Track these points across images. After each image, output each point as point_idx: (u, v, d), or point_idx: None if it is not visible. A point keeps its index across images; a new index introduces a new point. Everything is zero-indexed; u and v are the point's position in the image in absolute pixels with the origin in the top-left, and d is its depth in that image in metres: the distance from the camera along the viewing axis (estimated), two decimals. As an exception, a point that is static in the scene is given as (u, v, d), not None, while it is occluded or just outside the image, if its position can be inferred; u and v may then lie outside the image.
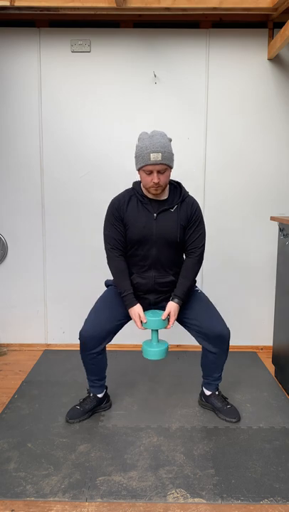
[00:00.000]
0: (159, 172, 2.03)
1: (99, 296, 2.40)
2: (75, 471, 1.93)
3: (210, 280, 3.28)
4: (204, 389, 2.46)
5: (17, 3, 2.81)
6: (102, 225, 3.23)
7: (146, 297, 2.28)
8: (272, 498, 1.77)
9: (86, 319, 2.29)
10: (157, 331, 2.23)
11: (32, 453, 2.06)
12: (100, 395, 2.39)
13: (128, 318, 2.27)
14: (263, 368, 3.00)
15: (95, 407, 2.38)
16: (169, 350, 3.27)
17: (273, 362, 2.88)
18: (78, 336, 2.27)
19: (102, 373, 2.38)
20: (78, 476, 1.89)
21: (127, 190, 2.26)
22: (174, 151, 2.12)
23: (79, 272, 3.30)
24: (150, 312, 2.23)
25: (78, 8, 2.85)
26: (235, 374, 2.90)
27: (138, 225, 2.15)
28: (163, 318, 2.16)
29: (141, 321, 2.16)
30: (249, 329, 3.34)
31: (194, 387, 2.69)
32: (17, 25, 3.07)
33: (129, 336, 3.00)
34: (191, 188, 3.18)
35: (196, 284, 2.40)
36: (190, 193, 2.26)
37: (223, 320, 2.28)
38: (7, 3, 2.79)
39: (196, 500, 1.76)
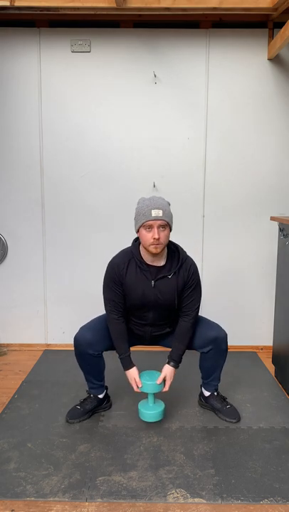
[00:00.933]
0: (159, 228, 2.05)
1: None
2: (75, 471, 1.93)
3: (210, 280, 3.28)
4: (203, 390, 2.46)
5: (17, 3, 2.81)
6: (102, 225, 3.25)
7: (143, 336, 2.36)
8: (272, 498, 1.77)
9: (82, 326, 2.29)
10: (153, 394, 2.24)
11: (32, 453, 2.06)
12: (100, 396, 2.39)
13: None
14: (263, 368, 3.00)
15: (95, 407, 2.38)
16: (170, 350, 3.28)
17: (273, 362, 2.88)
18: (73, 342, 2.28)
19: (101, 375, 2.38)
20: (78, 476, 1.89)
21: (125, 253, 2.24)
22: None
23: (79, 272, 3.30)
24: (146, 374, 2.26)
25: (78, 8, 2.85)
26: (235, 374, 2.90)
27: (137, 292, 2.17)
28: (158, 382, 2.18)
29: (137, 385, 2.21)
30: (249, 329, 3.34)
31: (194, 387, 2.69)
32: (17, 25, 3.07)
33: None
34: (191, 188, 3.20)
35: None
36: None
37: (217, 325, 2.30)
38: (7, 3, 2.79)
39: (196, 500, 1.76)
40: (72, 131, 3.16)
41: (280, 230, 2.71)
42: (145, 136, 3.15)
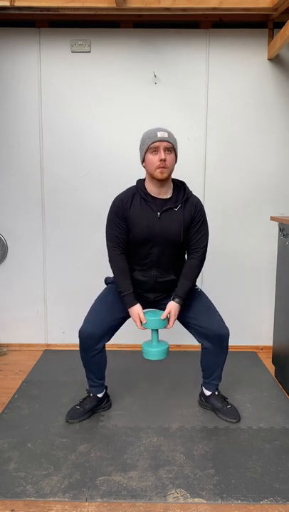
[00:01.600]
0: (165, 151, 2.05)
1: (98, 294, 2.39)
2: (75, 471, 1.93)
3: (210, 280, 3.28)
4: (204, 389, 2.46)
5: (17, 3, 2.81)
6: (102, 225, 3.24)
7: (147, 296, 2.29)
8: (272, 498, 1.77)
9: (85, 318, 2.30)
10: (157, 330, 2.23)
11: (32, 453, 2.06)
12: (99, 395, 2.39)
13: (127, 316, 2.27)
14: (263, 368, 3.00)
15: (94, 406, 2.38)
16: (169, 350, 3.28)
17: (273, 362, 2.88)
18: (78, 335, 2.27)
19: (102, 372, 2.38)
20: (78, 476, 1.89)
21: (129, 189, 2.25)
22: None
23: (79, 272, 3.30)
24: (150, 312, 2.23)
25: (78, 8, 2.85)
26: (235, 374, 2.90)
27: (141, 224, 2.14)
28: (162, 317, 2.17)
29: (141, 321, 2.16)
30: (249, 329, 3.34)
31: (194, 387, 2.69)
32: (17, 25, 3.07)
33: (129, 336, 3.00)
34: (191, 188, 3.19)
35: (196, 284, 2.39)
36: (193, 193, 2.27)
37: (222, 319, 2.30)
38: (7, 3, 2.79)
39: (196, 500, 1.76)
40: (72, 131, 3.16)
41: (280, 230, 2.71)
42: (145, 136, 3.15)
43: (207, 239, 2.24)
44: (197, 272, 2.24)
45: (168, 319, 2.19)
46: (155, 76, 3.10)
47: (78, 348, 3.31)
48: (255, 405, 2.50)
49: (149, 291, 2.29)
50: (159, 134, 2.04)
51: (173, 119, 3.13)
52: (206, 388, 2.45)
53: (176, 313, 2.20)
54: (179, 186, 2.22)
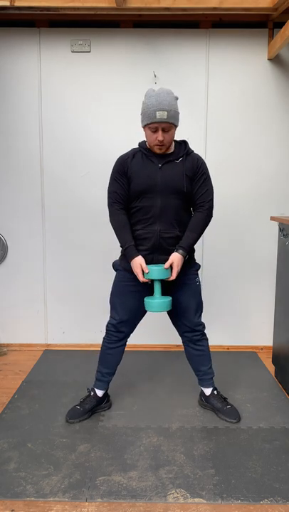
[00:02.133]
0: (163, 130, 2.05)
1: (112, 284, 2.40)
2: (75, 471, 1.93)
3: (210, 280, 3.28)
4: (202, 388, 2.46)
5: (17, 3, 2.81)
6: (103, 225, 3.25)
7: (150, 256, 2.17)
8: (272, 498, 1.77)
9: (111, 310, 2.38)
10: (160, 283, 2.12)
11: (32, 453, 2.06)
12: (100, 394, 2.40)
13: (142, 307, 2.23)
14: (263, 368, 3.00)
15: (94, 406, 2.38)
16: (169, 350, 3.29)
17: (273, 362, 2.88)
18: (106, 328, 2.37)
19: (115, 367, 2.41)
20: (78, 476, 1.89)
21: (132, 149, 2.26)
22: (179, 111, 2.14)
23: (79, 272, 3.30)
24: (152, 265, 2.14)
25: (78, 8, 2.85)
26: (235, 374, 2.90)
27: (142, 175, 2.12)
28: (166, 267, 2.09)
29: (144, 272, 2.10)
30: (249, 329, 3.34)
31: (194, 387, 2.69)
32: (17, 25, 3.07)
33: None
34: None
35: (198, 276, 2.36)
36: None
37: (200, 315, 2.39)
38: (7, 3, 2.80)
39: (196, 500, 1.76)
40: (72, 131, 3.16)
41: (280, 230, 2.71)
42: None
43: (212, 194, 2.22)
44: (202, 224, 2.20)
45: (171, 270, 2.12)
46: (155, 76, 3.10)
47: (78, 348, 3.32)
48: (255, 405, 2.50)
49: (152, 251, 2.16)
50: (158, 115, 2.01)
51: (173, 119, 3.13)
52: (202, 385, 2.45)
53: (179, 264, 2.11)
54: (181, 144, 2.22)
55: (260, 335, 3.33)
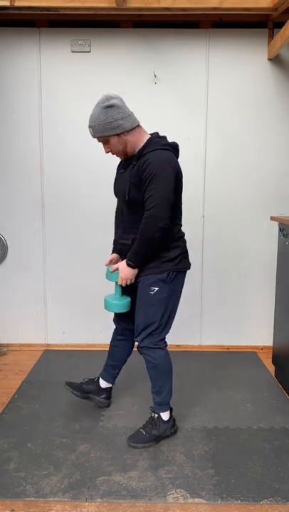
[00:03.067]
0: (103, 143, 2.03)
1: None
2: (75, 471, 1.93)
3: (210, 280, 3.28)
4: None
5: (17, 3, 2.81)
6: (102, 225, 3.25)
7: (121, 258, 2.19)
8: (272, 498, 1.77)
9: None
10: (120, 286, 2.13)
11: (32, 453, 2.06)
12: (103, 385, 2.41)
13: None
14: (263, 368, 3.00)
15: (92, 391, 2.40)
16: (169, 350, 3.28)
17: (273, 362, 2.88)
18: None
19: (118, 361, 2.40)
20: (78, 476, 1.89)
21: None
22: (115, 116, 1.95)
23: (79, 272, 3.30)
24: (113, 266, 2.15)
25: (78, 8, 2.85)
26: (235, 374, 2.90)
27: (114, 181, 2.22)
28: (111, 270, 2.08)
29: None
30: (249, 329, 3.34)
31: (194, 387, 2.70)
32: (17, 25, 3.07)
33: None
34: (191, 189, 3.19)
35: (159, 283, 2.08)
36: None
37: (145, 331, 2.08)
38: (7, 3, 2.79)
39: (196, 500, 1.76)
40: (72, 131, 3.16)
41: (280, 230, 2.71)
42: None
43: (156, 201, 1.91)
44: (141, 235, 1.95)
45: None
46: (155, 76, 3.10)
47: (78, 348, 3.34)
48: (255, 405, 2.50)
49: (120, 255, 2.20)
50: (89, 132, 2.07)
51: (173, 119, 3.13)
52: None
53: (124, 271, 2.02)
54: (147, 144, 2.02)
55: (260, 335, 3.33)
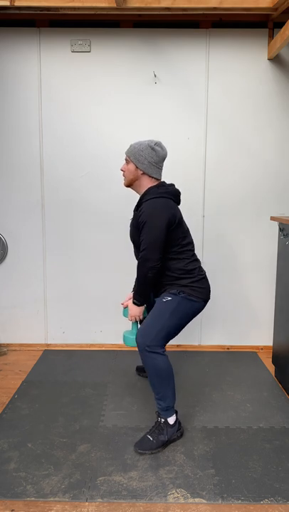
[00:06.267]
0: (125, 162, 2.28)
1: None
2: (75, 471, 1.93)
3: (210, 280, 3.28)
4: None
5: (17, 3, 2.81)
6: (102, 225, 3.25)
7: None
8: (273, 498, 1.77)
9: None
10: (137, 322, 2.33)
11: (32, 453, 2.06)
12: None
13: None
14: (263, 368, 3.00)
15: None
16: (169, 350, 3.28)
17: (273, 362, 2.88)
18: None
19: None
20: (78, 476, 1.89)
21: None
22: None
23: (79, 272, 3.30)
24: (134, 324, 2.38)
25: (78, 8, 2.85)
26: (235, 374, 2.90)
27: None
28: (124, 306, 2.34)
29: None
30: (249, 329, 3.34)
31: (194, 387, 2.70)
32: (17, 25, 3.07)
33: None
34: (191, 188, 3.19)
35: (173, 292, 2.18)
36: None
37: (148, 332, 2.09)
38: (7, 3, 2.79)
39: (197, 500, 1.76)
40: (72, 131, 3.16)
41: (280, 230, 2.71)
42: (145, 136, 3.15)
43: (146, 244, 2.11)
44: (137, 275, 2.17)
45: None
46: (155, 76, 3.10)
47: (78, 348, 3.34)
48: (255, 405, 2.51)
49: None
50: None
51: (173, 119, 3.13)
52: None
53: (132, 309, 2.25)
54: (147, 191, 2.23)
55: (260, 335, 3.34)
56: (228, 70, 3.10)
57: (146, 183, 2.24)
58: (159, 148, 2.22)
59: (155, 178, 2.25)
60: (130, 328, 2.39)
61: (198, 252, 3.25)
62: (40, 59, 3.09)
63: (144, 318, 2.29)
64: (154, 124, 3.15)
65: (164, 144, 3.15)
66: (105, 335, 3.34)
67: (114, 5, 2.78)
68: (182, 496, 1.78)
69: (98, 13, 2.94)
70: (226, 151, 3.17)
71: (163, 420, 2.13)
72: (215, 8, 2.81)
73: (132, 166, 2.24)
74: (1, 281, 3.33)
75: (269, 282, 3.28)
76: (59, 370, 2.96)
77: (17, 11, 2.91)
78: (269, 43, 3.05)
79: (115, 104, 3.13)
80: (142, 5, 2.79)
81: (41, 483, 1.85)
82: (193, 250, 2.29)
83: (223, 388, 2.69)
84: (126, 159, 2.27)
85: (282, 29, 2.73)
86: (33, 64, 3.10)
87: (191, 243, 2.29)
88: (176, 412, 2.19)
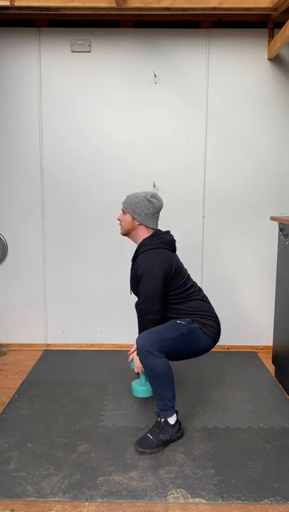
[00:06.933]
0: (122, 211, 2.33)
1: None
2: (75, 471, 1.93)
3: (210, 280, 3.28)
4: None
5: (17, 3, 2.81)
6: (102, 225, 3.25)
7: None
8: (273, 498, 1.77)
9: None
10: (144, 373, 2.23)
11: (32, 453, 2.06)
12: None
13: None
14: (263, 368, 3.00)
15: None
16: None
17: (273, 362, 2.88)
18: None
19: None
20: (78, 476, 1.89)
21: None
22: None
23: (79, 272, 3.30)
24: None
25: (78, 8, 2.85)
26: (235, 374, 2.90)
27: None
28: (129, 360, 2.31)
29: None
30: (249, 329, 3.34)
31: (194, 387, 2.70)
32: (17, 25, 3.07)
33: (129, 336, 3.00)
34: (191, 188, 3.19)
35: (184, 318, 2.22)
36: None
37: (153, 336, 2.09)
38: (7, 3, 2.79)
39: (197, 500, 1.76)
40: (72, 131, 3.16)
41: (280, 230, 2.71)
42: (145, 136, 3.15)
43: (145, 297, 2.17)
44: (138, 326, 2.25)
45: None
46: (155, 76, 3.10)
47: (78, 348, 3.34)
48: (255, 405, 2.50)
49: None
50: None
51: (173, 119, 3.13)
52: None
53: (137, 361, 2.19)
54: (142, 243, 2.29)
55: (260, 335, 3.33)
56: (228, 70, 3.10)
57: (143, 233, 2.30)
58: (155, 200, 2.27)
59: (151, 228, 2.30)
60: (138, 379, 2.37)
61: (198, 252, 3.26)
62: (40, 59, 3.09)
63: None
64: (154, 124, 3.15)
65: (164, 143, 3.16)
66: (105, 335, 3.34)
67: (114, 5, 2.78)
68: (182, 496, 1.78)
69: (98, 13, 2.94)
70: (226, 151, 3.17)
71: (163, 420, 2.13)
72: (215, 8, 2.81)
73: (128, 217, 2.29)
74: (1, 281, 3.33)
75: (269, 282, 3.28)
76: (59, 370, 2.96)
77: (17, 11, 2.91)
78: (269, 43, 3.05)
79: (115, 104, 3.13)
80: (142, 5, 2.79)
81: (41, 483, 1.85)
82: (198, 291, 2.31)
83: (223, 388, 2.69)
84: (122, 210, 2.32)
85: (282, 29, 2.73)
86: (33, 64, 3.10)
87: (194, 286, 2.31)
88: (177, 413, 2.19)
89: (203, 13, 2.98)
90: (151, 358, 2.05)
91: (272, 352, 2.89)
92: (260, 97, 3.12)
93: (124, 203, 2.31)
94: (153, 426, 2.15)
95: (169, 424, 2.12)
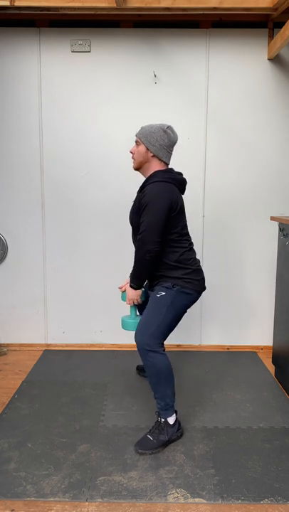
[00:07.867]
0: (135, 144, 2.24)
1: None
2: (75, 471, 1.93)
3: (210, 280, 3.28)
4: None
5: (17, 3, 2.81)
6: (102, 225, 3.25)
7: None
8: (273, 497, 1.77)
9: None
10: (135, 306, 2.32)
11: (32, 453, 2.06)
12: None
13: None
14: (263, 368, 3.00)
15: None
16: (169, 350, 3.28)
17: (273, 362, 2.88)
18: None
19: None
20: (78, 476, 1.89)
21: None
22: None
23: (79, 272, 3.30)
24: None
25: (78, 8, 2.85)
26: (235, 374, 2.90)
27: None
28: (121, 290, 2.35)
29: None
30: (249, 329, 3.34)
31: (194, 387, 2.70)
32: (17, 25, 3.07)
33: (129, 336, 3.00)
34: (191, 188, 3.19)
35: (168, 286, 2.17)
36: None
37: (146, 329, 2.09)
38: (7, 3, 2.79)
39: (197, 500, 1.76)
40: (72, 131, 3.16)
41: (280, 230, 2.71)
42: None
43: (145, 226, 2.09)
44: (135, 257, 2.15)
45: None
46: (155, 76, 3.10)
47: (78, 348, 3.33)
48: (255, 405, 2.50)
49: None
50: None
51: (173, 119, 3.13)
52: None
53: (129, 293, 2.22)
54: (151, 176, 2.21)
55: (260, 335, 3.33)
56: (228, 70, 3.10)
57: (155, 167, 2.21)
58: (170, 132, 2.19)
59: (164, 163, 2.21)
60: (128, 313, 2.39)
61: (198, 252, 3.25)
62: (40, 59, 3.09)
63: (142, 302, 2.28)
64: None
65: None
66: (105, 335, 3.34)
67: (114, 5, 2.78)
68: (182, 495, 1.78)
69: (98, 13, 2.94)
70: (226, 151, 3.17)
71: (163, 420, 2.13)
72: (215, 8, 2.81)
73: (142, 148, 2.20)
74: (1, 281, 3.33)
75: (269, 282, 3.28)
76: (59, 370, 2.96)
77: (17, 11, 2.91)
78: (269, 43, 3.05)
79: (115, 104, 3.13)
80: (142, 5, 2.79)
81: (41, 483, 1.85)
82: (190, 241, 2.28)
83: (223, 388, 2.69)
84: (136, 141, 2.22)
85: (282, 29, 2.73)
86: (33, 64, 3.10)
87: (188, 234, 2.28)
88: (176, 412, 2.19)
89: (203, 13, 2.98)
90: (152, 355, 2.06)
91: (272, 352, 2.89)
92: (260, 97, 3.12)
93: (139, 134, 2.21)
94: (153, 426, 2.15)
95: (169, 424, 2.12)
